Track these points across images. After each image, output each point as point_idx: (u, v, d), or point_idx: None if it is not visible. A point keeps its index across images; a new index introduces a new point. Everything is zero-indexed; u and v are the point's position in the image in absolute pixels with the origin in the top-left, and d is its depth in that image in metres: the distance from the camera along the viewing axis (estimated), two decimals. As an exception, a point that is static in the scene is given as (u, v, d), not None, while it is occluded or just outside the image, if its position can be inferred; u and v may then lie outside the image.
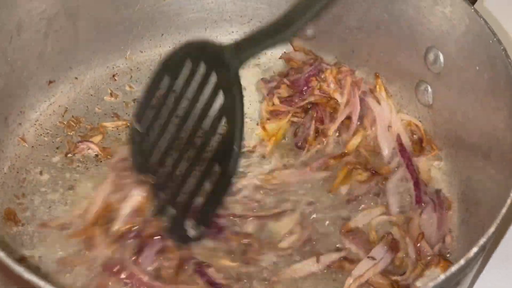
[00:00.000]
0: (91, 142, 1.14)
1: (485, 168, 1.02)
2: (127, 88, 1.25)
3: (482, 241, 0.81)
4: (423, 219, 1.06)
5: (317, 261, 1.00)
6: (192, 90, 0.98)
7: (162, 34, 1.30)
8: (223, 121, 0.94)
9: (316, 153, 1.15)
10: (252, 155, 1.15)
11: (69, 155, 1.13)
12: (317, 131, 1.16)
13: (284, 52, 1.29)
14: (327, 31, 1.25)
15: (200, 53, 0.97)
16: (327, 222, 1.06)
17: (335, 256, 1.01)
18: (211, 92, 0.96)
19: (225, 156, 0.94)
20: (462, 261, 0.79)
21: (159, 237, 0.99)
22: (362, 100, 1.18)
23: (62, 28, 1.18)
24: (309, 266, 1.00)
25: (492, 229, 0.82)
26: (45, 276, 0.97)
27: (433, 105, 1.17)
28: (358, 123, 1.17)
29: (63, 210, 1.06)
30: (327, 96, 1.18)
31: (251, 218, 1.05)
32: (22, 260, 0.99)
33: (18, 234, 1.03)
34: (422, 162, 1.14)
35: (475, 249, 0.80)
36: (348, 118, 1.17)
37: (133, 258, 0.97)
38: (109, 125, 1.18)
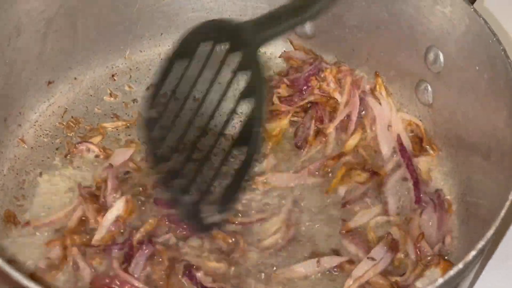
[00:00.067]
0: (91, 143, 1.14)
1: (485, 168, 1.02)
2: (127, 88, 1.25)
3: (480, 244, 0.81)
4: (423, 219, 1.06)
5: (318, 266, 1.00)
6: (210, 71, 0.94)
7: (162, 34, 1.30)
8: (245, 101, 0.91)
9: (316, 153, 1.15)
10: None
11: (69, 156, 1.13)
12: (317, 131, 1.16)
13: (284, 51, 1.29)
14: (327, 30, 1.25)
15: (218, 32, 0.94)
16: (325, 222, 1.06)
17: (336, 260, 1.01)
18: (230, 72, 0.92)
19: (247, 137, 0.91)
20: (460, 265, 0.79)
21: (148, 243, 0.98)
22: (362, 100, 1.18)
23: (62, 28, 1.18)
24: (308, 267, 1.00)
25: (491, 232, 0.82)
26: (38, 279, 0.97)
27: (433, 104, 1.17)
28: (358, 122, 1.17)
29: (63, 211, 1.05)
30: (327, 95, 1.18)
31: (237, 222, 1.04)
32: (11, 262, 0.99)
33: (16, 235, 1.03)
34: (422, 162, 1.14)
35: (473, 253, 0.80)
36: (348, 117, 1.17)
37: (123, 266, 0.97)
38: (109, 125, 1.18)
